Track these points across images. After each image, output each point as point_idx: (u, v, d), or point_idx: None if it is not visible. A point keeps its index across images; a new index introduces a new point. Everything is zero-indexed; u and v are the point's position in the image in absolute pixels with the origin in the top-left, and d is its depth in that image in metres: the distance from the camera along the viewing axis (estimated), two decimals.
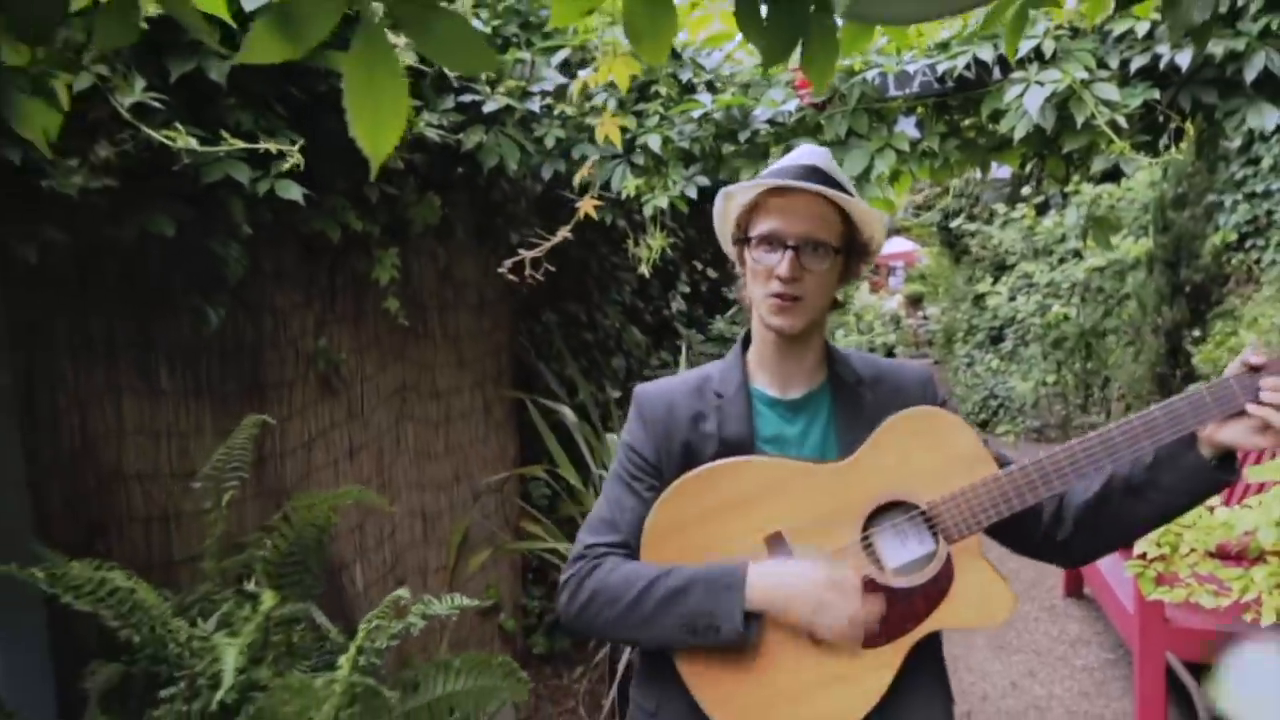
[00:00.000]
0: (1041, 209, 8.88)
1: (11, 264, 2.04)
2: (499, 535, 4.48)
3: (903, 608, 1.57)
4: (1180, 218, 5.85)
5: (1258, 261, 6.31)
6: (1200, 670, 3.95)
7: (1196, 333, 7.07)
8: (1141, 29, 2.95)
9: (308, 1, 1.16)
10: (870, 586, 1.56)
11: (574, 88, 3.25)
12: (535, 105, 3.31)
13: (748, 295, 1.70)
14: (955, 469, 1.59)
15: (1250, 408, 1.50)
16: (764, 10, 1.36)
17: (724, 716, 1.57)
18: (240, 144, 2.21)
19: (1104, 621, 5.47)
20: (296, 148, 2.37)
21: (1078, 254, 8.03)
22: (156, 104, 2.09)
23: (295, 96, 2.56)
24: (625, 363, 5.33)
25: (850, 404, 1.70)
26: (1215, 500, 3.16)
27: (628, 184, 3.28)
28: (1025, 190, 8.38)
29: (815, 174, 1.63)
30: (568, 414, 4.43)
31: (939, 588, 1.57)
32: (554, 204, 4.00)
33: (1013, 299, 9.03)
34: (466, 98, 3.25)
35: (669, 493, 1.62)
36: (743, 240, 1.68)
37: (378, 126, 1.17)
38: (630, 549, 1.64)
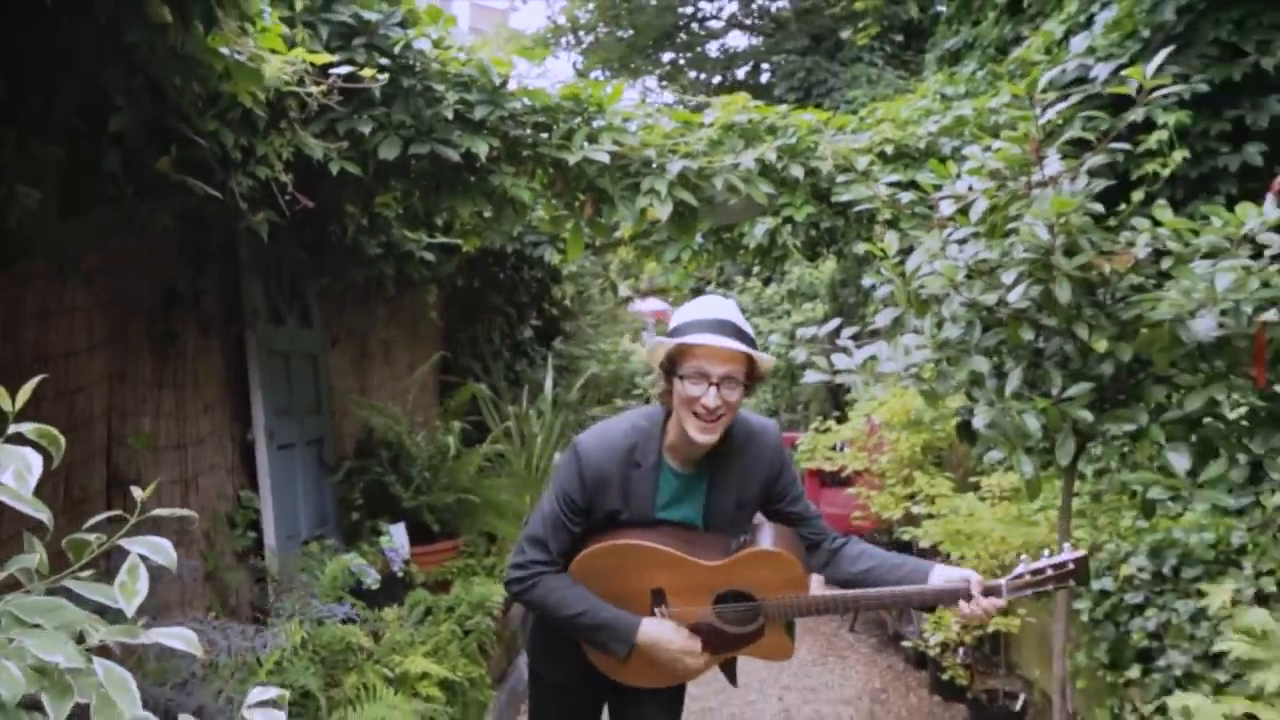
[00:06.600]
0: (766, 281, 12.52)
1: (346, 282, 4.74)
2: None
3: (731, 642, 2.33)
4: (844, 293, 9.27)
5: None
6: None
7: None
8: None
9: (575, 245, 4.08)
10: (713, 630, 2.28)
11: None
12: None
13: (670, 399, 2.18)
14: (786, 585, 2.24)
15: (961, 605, 2.18)
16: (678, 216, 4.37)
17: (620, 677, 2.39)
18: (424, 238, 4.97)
19: None
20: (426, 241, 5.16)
21: (789, 312, 11.58)
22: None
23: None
24: (501, 365, 8.15)
25: (723, 472, 2.27)
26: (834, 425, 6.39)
27: (556, 258, 6.17)
28: (756, 269, 11.87)
29: (727, 326, 2.10)
30: (484, 389, 7.19)
31: (754, 635, 2.32)
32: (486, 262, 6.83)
33: None
34: None
35: (596, 547, 2.26)
36: (671, 371, 2.15)
37: (573, 252, 4.09)
38: (559, 565, 2.26)
